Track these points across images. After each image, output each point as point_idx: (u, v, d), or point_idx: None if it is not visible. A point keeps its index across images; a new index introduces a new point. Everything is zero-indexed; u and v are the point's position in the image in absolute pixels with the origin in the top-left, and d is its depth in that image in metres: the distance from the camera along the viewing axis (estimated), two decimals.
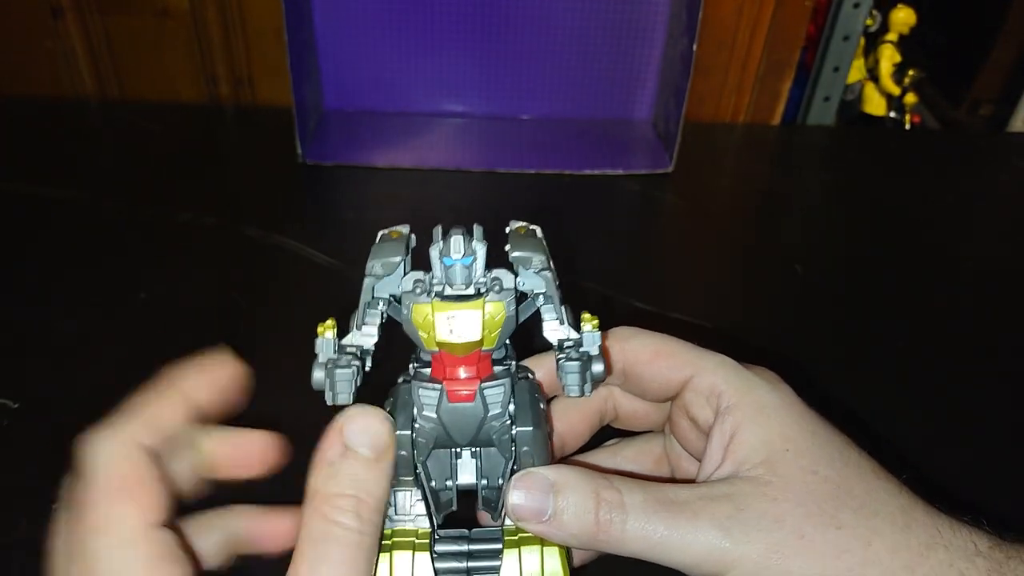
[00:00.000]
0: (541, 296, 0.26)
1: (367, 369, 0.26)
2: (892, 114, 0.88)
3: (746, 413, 0.27)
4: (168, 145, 0.71)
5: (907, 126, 0.88)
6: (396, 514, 0.26)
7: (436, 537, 0.25)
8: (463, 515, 0.27)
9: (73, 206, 0.61)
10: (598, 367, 0.25)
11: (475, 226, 0.25)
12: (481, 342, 0.24)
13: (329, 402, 0.25)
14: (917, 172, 0.77)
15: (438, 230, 0.25)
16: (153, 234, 0.59)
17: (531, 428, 0.25)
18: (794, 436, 0.26)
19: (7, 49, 0.75)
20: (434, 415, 0.25)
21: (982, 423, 0.47)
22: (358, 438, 0.24)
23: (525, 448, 0.25)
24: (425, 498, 0.26)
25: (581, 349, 0.26)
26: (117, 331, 0.50)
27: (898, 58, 0.85)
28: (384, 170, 0.69)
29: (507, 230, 0.27)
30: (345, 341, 0.26)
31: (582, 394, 0.25)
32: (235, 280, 0.55)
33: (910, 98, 0.87)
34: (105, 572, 0.22)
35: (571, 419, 0.31)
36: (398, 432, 0.25)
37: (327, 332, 0.26)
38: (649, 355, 0.29)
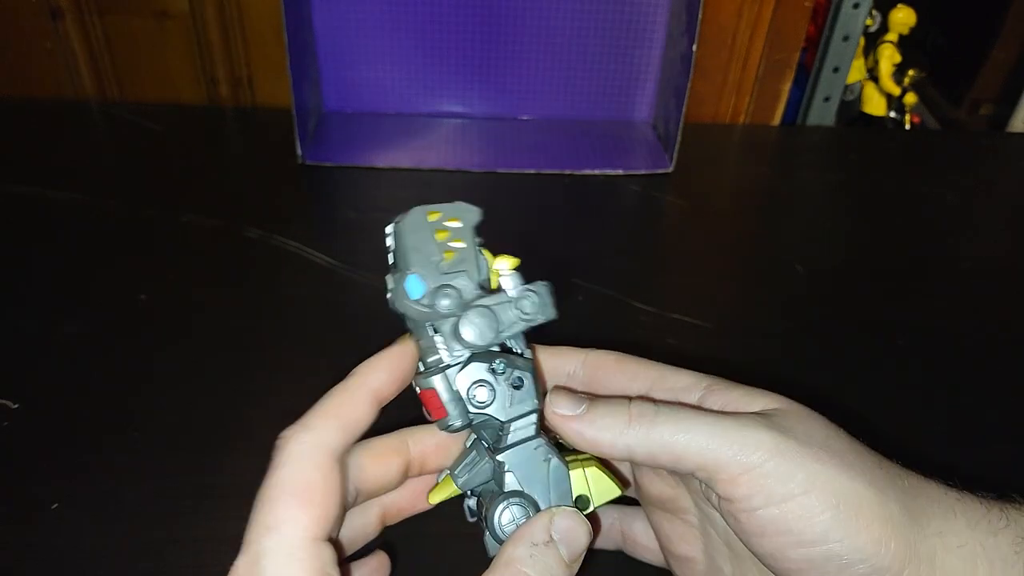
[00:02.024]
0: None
1: None
2: (892, 114, 0.88)
3: (730, 396, 0.28)
4: (168, 146, 0.71)
5: (907, 126, 0.88)
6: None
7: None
8: None
9: (73, 207, 0.61)
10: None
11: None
12: None
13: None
14: (917, 172, 0.77)
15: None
16: (153, 235, 0.59)
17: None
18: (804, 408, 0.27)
19: (6, 51, 0.75)
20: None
21: (982, 422, 0.47)
22: (564, 536, 0.25)
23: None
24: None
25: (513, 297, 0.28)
26: (117, 331, 0.50)
27: (898, 58, 0.85)
28: (384, 171, 0.69)
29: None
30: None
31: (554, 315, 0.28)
32: (235, 281, 0.55)
33: (910, 98, 0.87)
34: (265, 573, 0.23)
35: None
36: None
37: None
38: (612, 362, 0.30)
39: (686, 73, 0.66)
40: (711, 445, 0.24)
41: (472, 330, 0.26)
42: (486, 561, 0.25)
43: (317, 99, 0.75)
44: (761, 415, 0.25)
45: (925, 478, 0.26)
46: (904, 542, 0.24)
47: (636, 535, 0.33)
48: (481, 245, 0.28)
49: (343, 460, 0.26)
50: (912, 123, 0.89)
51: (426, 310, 0.27)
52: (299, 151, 0.67)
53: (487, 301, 0.27)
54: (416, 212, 0.29)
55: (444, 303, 0.27)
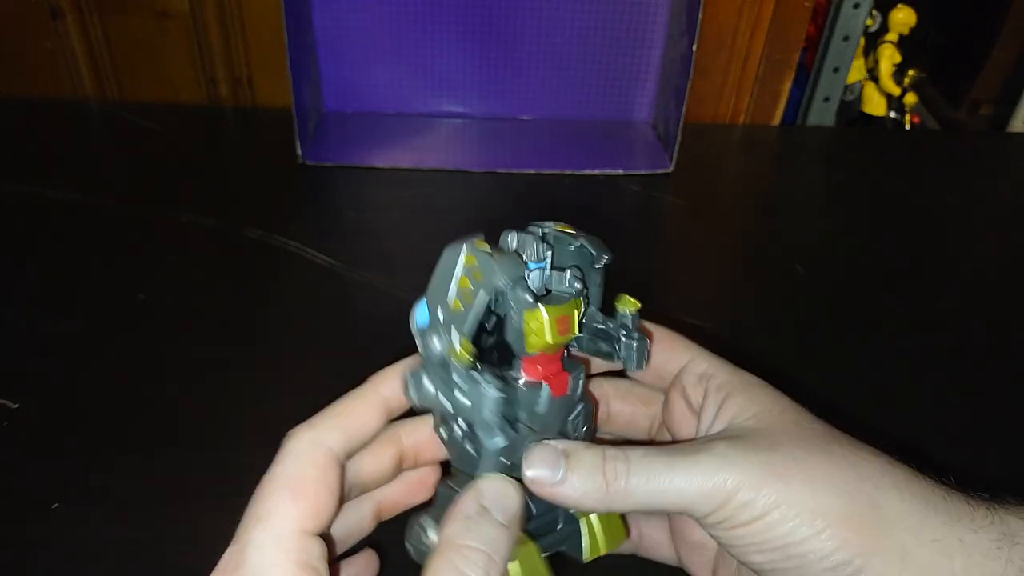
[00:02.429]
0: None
1: None
2: (892, 114, 0.88)
3: (736, 386, 0.29)
4: (168, 146, 0.71)
5: (907, 126, 0.88)
6: None
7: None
8: None
9: (72, 207, 0.61)
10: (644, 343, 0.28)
11: (541, 230, 0.27)
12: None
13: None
14: (917, 173, 0.77)
15: (510, 236, 0.26)
16: (153, 235, 0.59)
17: (589, 405, 0.28)
18: (781, 401, 0.29)
19: (6, 50, 0.75)
20: (544, 411, 0.26)
21: (983, 422, 0.47)
22: (494, 502, 0.25)
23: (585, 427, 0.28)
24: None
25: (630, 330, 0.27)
26: (117, 331, 0.50)
27: (898, 58, 0.85)
28: (384, 171, 0.69)
29: (547, 230, 0.28)
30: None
31: (640, 368, 0.28)
32: (235, 281, 0.55)
33: (910, 98, 0.87)
34: (249, 562, 0.23)
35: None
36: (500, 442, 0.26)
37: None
38: (657, 337, 0.31)
39: (686, 73, 0.66)
40: (685, 491, 0.25)
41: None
42: None
43: (317, 99, 0.75)
44: (732, 440, 0.26)
45: (913, 475, 0.27)
46: (868, 537, 0.25)
47: (652, 531, 0.33)
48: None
49: (342, 461, 0.27)
50: (912, 123, 0.89)
51: (419, 343, 0.26)
52: (299, 151, 0.67)
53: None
54: (463, 246, 0.25)
55: (434, 346, 0.25)
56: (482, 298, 0.24)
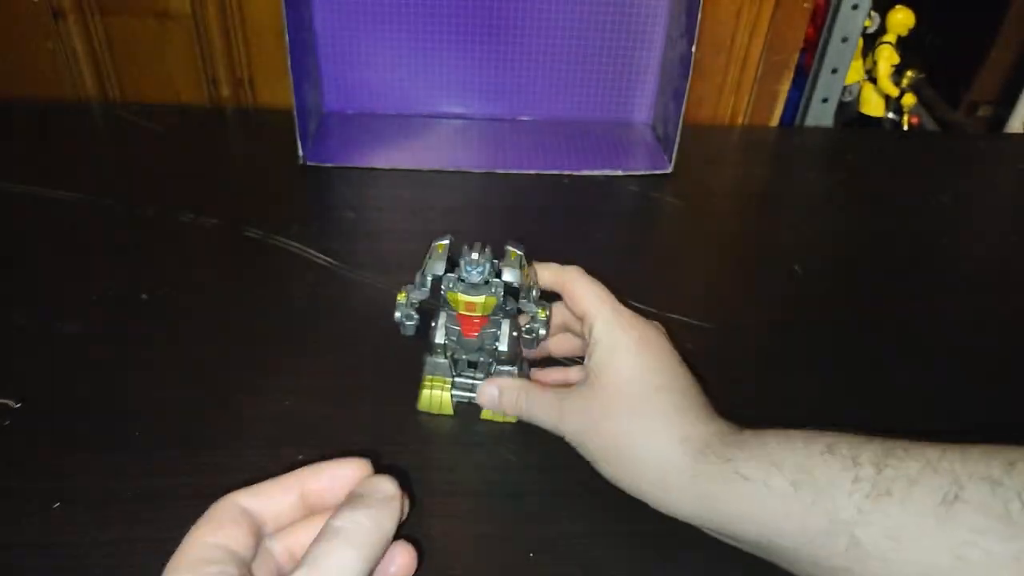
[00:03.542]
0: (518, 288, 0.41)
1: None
2: (890, 115, 0.88)
3: (602, 345, 0.40)
4: (169, 146, 0.71)
5: (905, 127, 0.88)
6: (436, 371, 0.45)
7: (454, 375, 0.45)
8: None
9: (74, 207, 0.61)
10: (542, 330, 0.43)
11: (486, 246, 0.40)
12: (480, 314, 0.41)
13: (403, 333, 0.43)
14: (915, 173, 0.77)
15: (465, 247, 0.40)
16: (154, 235, 0.59)
17: (506, 348, 0.43)
18: (626, 354, 0.39)
19: (8, 51, 0.75)
20: (455, 338, 0.43)
21: (982, 423, 0.47)
22: (369, 487, 0.30)
23: (503, 357, 0.44)
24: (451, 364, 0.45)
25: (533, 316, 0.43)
26: (118, 331, 0.50)
27: (896, 59, 0.85)
28: (384, 171, 0.69)
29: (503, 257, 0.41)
30: (413, 297, 0.42)
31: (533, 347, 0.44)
32: (236, 281, 0.56)
33: (908, 99, 0.87)
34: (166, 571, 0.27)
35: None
36: (439, 341, 0.43)
37: (400, 297, 0.43)
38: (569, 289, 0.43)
39: (685, 74, 0.67)
40: (545, 422, 0.41)
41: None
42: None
43: (318, 100, 0.75)
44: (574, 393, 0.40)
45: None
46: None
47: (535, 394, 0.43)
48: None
49: (252, 515, 0.29)
50: (910, 124, 0.89)
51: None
52: (300, 152, 0.67)
53: None
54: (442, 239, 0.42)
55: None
56: (426, 278, 0.42)
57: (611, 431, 0.37)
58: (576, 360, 0.47)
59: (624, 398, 0.37)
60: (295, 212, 0.64)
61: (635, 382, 0.38)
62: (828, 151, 0.82)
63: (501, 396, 0.42)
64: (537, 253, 0.43)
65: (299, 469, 0.31)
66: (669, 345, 0.40)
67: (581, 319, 0.41)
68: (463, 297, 0.40)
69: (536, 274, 0.43)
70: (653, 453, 0.36)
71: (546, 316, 0.43)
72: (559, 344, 0.47)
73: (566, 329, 0.45)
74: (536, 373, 0.47)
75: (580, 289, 0.41)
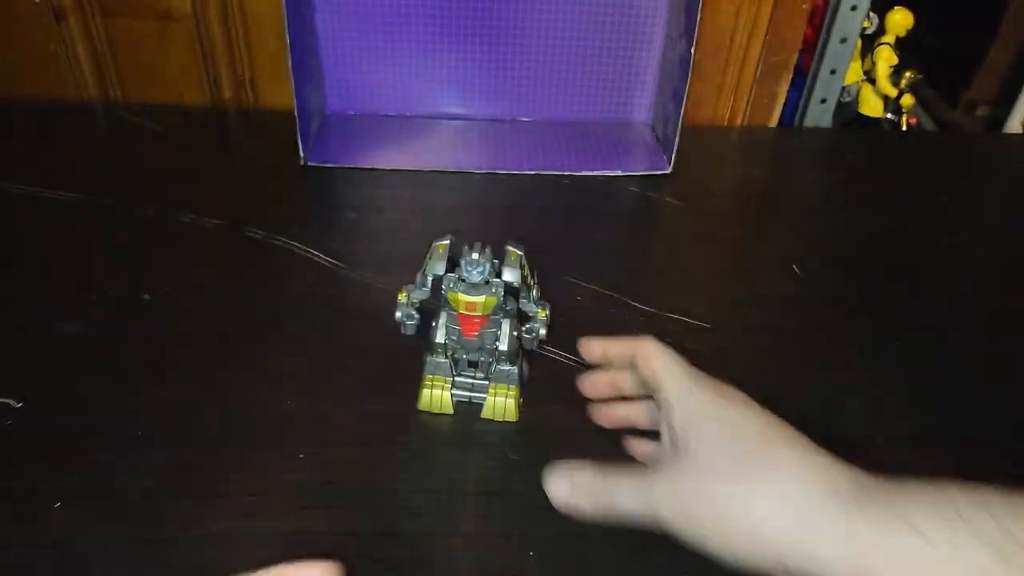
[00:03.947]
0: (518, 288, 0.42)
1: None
2: (889, 116, 0.88)
3: (677, 419, 0.35)
4: (171, 147, 0.72)
5: (904, 128, 0.89)
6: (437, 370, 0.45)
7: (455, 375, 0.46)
8: None
9: (76, 207, 0.61)
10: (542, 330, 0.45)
11: (487, 247, 0.41)
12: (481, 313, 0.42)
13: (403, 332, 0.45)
14: (914, 173, 0.77)
15: (465, 247, 0.40)
16: (156, 235, 0.59)
17: (506, 347, 0.43)
18: (709, 418, 0.35)
19: (10, 52, 0.75)
20: (455, 338, 0.43)
21: (982, 423, 0.48)
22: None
23: (504, 357, 0.44)
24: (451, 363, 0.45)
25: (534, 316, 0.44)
26: (119, 331, 0.50)
27: (895, 60, 0.85)
28: (385, 172, 0.69)
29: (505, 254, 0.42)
30: (414, 297, 0.44)
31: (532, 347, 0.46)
32: (237, 281, 0.56)
33: (907, 100, 0.87)
34: None
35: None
36: (440, 340, 0.44)
37: (401, 297, 0.44)
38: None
39: (684, 75, 0.67)
40: (631, 514, 0.35)
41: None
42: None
43: (319, 101, 0.75)
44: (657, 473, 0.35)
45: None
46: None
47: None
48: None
49: None
50: (909, 124, 0.89)
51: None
52: (301, 152, 0.68)
53: None
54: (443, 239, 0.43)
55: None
56: (426, 277, 0.43)
57: (715, 496, 0.33)
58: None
59: (723, 460, 0.33)
60: (296, 212, 0.64)
61: (736, 440, 0.34)
62: (827, 151, 0.82)
63: (576, 493, 0.36)
64: (537, 253, 0.43)
65: (270, 569, 0.30)
66: (749, 398, 0.36)
67: (656, 390, 0.38)
68: (463, 297, 0.41)
69: (537, 280, 0.43)
70: (779, 509, 0.31)
71: (546, 316, 0.43)
72: (632, 413, 0.42)
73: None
74: (600, 415, 0.43)
75: (655, 362, 0.38)
